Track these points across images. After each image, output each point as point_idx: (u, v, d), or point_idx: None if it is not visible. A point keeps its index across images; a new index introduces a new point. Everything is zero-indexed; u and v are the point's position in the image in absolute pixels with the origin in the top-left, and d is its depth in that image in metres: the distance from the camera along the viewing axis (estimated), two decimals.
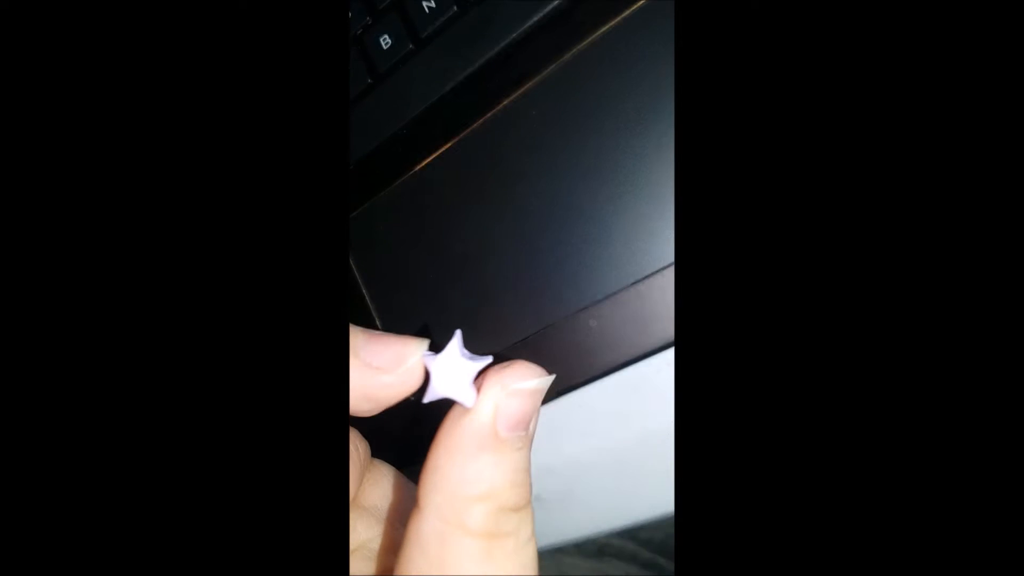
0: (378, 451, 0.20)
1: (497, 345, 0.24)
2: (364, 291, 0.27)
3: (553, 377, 0.16)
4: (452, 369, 0.16)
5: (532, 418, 0.16)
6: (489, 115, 0.24)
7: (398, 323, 0.26)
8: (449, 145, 0.25)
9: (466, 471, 0.15)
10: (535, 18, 0.24)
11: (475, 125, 0.25)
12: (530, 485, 0.16)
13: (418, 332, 0.25)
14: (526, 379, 0.16)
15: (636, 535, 0.34)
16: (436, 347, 0.17)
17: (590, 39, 0.23)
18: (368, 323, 0.27)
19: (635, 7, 0.22)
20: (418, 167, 0.26)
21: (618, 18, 0.22)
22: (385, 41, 0.26)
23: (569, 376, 0.23)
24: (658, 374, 0.25)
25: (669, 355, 0.23)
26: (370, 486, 0.19)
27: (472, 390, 0.16)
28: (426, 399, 0.16)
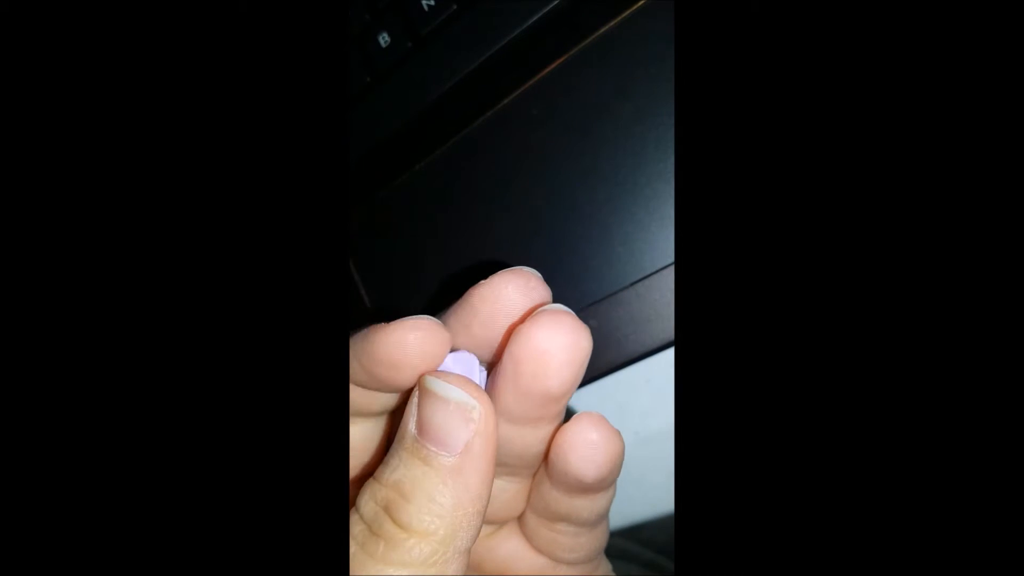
0: None
1: None
2: (362, 290, 0.27)
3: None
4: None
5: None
6: (488, 114, 0.24)
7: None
8: (448, 144, 0.25)
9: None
10: (535, 17, 0.24)
11: (474, 124, 0.25)
12: None
13: None
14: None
15: (638, 535, 0.34)
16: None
17: (590, 39, 0.23)
18: (365, 321, 0.27)
19: (635, 7, 0.22)
20: (417, 166, 0.26)
21: (618, 18, 0.22)
22: (384, 39, 0.26)
23: None
24: (658, 374, 0.25)
25: (669, 355, 0.23)
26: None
27: None
28: None
